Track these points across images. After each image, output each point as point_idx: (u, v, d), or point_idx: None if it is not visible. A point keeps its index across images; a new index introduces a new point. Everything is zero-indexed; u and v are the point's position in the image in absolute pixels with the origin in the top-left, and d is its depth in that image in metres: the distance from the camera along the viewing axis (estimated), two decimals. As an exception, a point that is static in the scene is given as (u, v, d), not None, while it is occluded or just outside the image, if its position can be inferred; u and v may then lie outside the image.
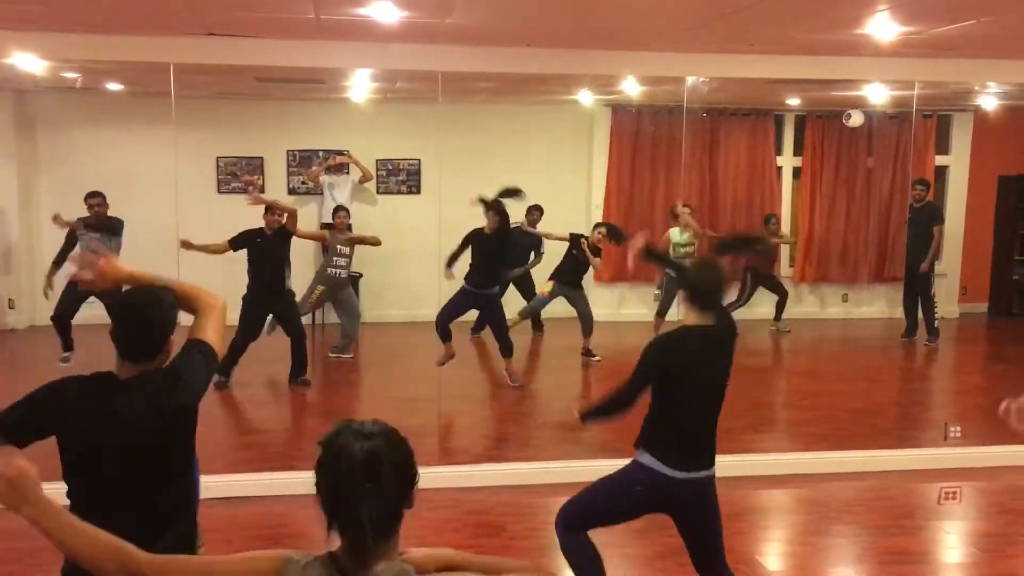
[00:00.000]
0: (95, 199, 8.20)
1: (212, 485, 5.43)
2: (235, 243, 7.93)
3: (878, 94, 8.51)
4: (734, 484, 5.90)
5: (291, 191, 11.01)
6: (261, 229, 7.96)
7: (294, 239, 8.16)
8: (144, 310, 2.71)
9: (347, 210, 9.23)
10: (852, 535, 5.23)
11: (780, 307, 10.84)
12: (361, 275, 10.71)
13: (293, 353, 8.02)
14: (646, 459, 3.57)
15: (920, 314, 10.18)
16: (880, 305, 11.68)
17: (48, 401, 2.58)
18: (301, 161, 11.00)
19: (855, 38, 5.48)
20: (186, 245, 7.26)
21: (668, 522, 5.16)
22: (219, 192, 10.68)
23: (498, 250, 7.93)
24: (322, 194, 10.76)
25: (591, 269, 9.01)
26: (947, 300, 11.49)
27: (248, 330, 7.83)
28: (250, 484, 5.57)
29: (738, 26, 5.22)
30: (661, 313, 9.47)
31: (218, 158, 10.79)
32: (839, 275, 11.73)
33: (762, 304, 11.09)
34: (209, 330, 2.84)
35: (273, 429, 7.30)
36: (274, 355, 8.37)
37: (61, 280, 8.12)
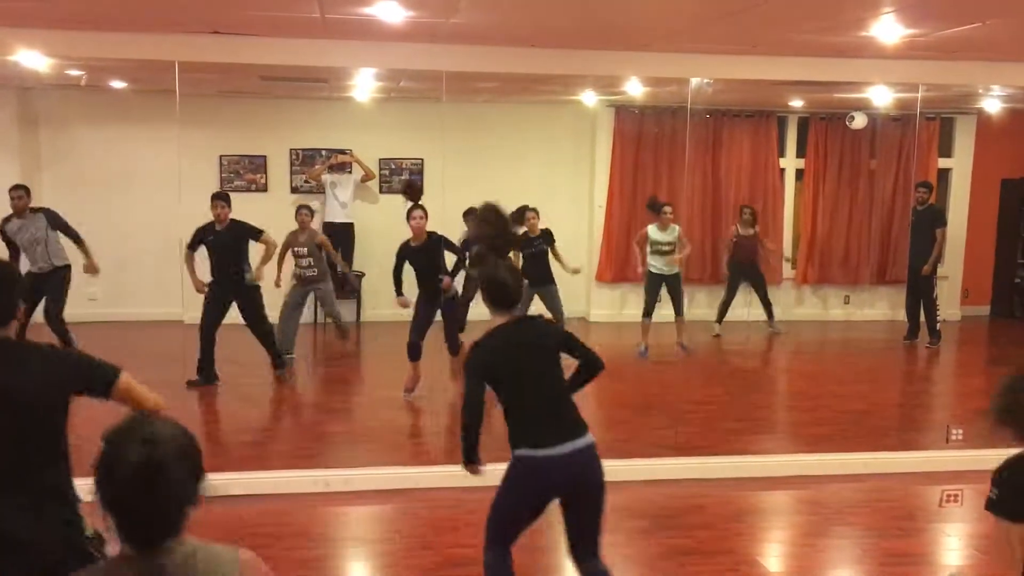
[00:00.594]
0: (16, 191, 8.10)
1: (214, 483, 5.46)
2: (192, 244, 7.78)
3: (881, 96, 8.50)
4: (735, 485, 5.92)
5: (294, 190, 11.02)
6: (212, 224, 7.77)
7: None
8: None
9: (309, 208, 9.03)
10: (853, 537, 5.23)
11: (765, 305, 10.76)
12: (364, 274, 10.72)
13: (264, 346, 8.06)
14: (518, 452, 3.66)
15: (922, 316, 10.18)
16: (882, 307, 11.68)
17: None
18: (304, 160, 11.01)
19: (859, 40, 5.48)
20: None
21: (670, 523, 5.18)
22: (222, 190, 10.68)
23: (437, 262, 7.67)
24: (325, 193, 10.77)
25: (554, 261, 8.89)
26: (949, 303, 11.48)
27: (208, 316, 7.78)
28: (252, 482, 5.57)
29: (742, 27, 5.22)
30: (647, 313, 9.42)
31: (221, 156, 10.80)
32: (841, 277, 11.72)
33: (759, 305, 11.08)
34: (134, 387, 2.81)
35: (272, 427, 7.31)
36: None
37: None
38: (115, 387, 2.75)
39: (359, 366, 9.32)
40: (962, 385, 9.29)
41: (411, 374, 7.62)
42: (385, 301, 10.89)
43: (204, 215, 7.78)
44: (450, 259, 7.65)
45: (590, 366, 3.86)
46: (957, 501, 5.75)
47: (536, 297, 8.73)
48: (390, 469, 5.89)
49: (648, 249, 9.40)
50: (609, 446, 6.62)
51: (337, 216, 10.72)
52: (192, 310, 7.86)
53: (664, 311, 9.51)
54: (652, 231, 9.36)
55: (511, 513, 3.77)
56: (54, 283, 8.13)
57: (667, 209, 9.38)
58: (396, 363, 9.25)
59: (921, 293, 10.12)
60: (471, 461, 3.76)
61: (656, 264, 9.35)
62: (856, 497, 5.78)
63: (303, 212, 8.91)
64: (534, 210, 8.87)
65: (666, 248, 9.34)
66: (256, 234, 7.87)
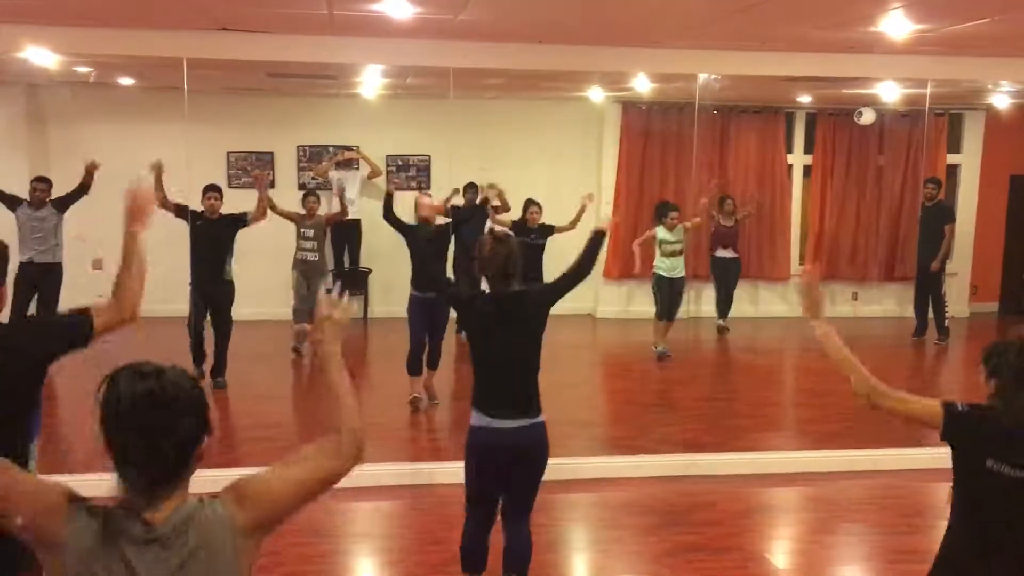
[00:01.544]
0: (39, 183, 8.40)
1: (217, 478, 5.47)
2: (179, 211, 7.53)
3: (890, 92, 8.48)
4: (743, 482, 5.91)
5: (301, 186, 11.01)
6: (202, 211, 7.64)
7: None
8: None
9: (317, 196, 9.23)
10: (861, 534, 5.22)
11: (727, 300, 10.61)
12: (371, 270, 10.73)
13: (216, 349, 7.75)
14: (474, 419, 3.89)
15: (931, 313, 10.15)
16: (890, 304, 11.64)
17: None
18: (311, 156, 11.02)
19: (868, 36, 5.46)
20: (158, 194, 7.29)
21: (677, 519, 5.18)
22: (230, 187, 10.66)
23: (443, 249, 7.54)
24: (332, 190, 10.77)
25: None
26: (957, 299, 11.44)
27: (194, 313, 7.73)
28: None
29: (750, 23, 5.20)
30: (660, 315, 9.31)
31: (229, 153, 10.81)
32: (849, 273, 11.69)
33: (767, 302, 11.09)
34: (103, 313, 2.93)
35: (277, 424, 7.32)
36: (276, 349, 8.38)
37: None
38: (94, 333, 2.89)
39: (366, 362, 9.32)
40: (970, 382, 9.17)
41: (418, 386, 7.43)
42: (392, 298, 10.95)
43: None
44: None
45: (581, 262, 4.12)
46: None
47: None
48: (398, 465, 5.90)
49: (657, 251, 9.35)
50: (617, 443, 6.64)
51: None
52: (172, 304, 7.86)
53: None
54: (661, 232, 9.34)
55: (470, 483, 4.01)
56: (52, 281, 8.37)
57: (673, 214, 9.35)
58: (402, 359, 9.27)
59: (930, 290, 10.09)
60: None
61: (663, 265, 9.31)
62: (864, 494, 5.77)
63: (311, 200, 9.04)
64: (537, 204, 8.96)
65: (676, 247, 9.32)
66: (243, 217, 7.73)
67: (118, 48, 5.88)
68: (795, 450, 6.55)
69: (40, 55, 5.90)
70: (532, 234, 8.87)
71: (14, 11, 5.28)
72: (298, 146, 10.99)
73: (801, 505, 5.78)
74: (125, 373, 1.82)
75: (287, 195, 10.87)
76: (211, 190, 7.75)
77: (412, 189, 11.14)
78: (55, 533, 1.79)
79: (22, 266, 7.98)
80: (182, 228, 7.45)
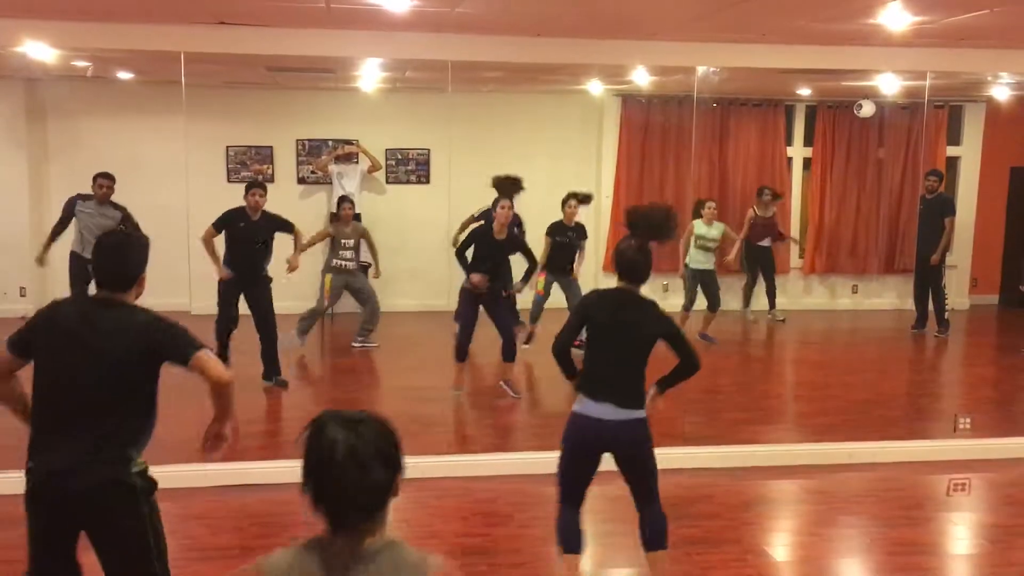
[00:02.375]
0: (105, 180, 8.32)
1: (223, 473, 5.48)
2: (218, 224, 7.55)
3: (890, 84, 8.46)
4: (742, 474, 5.92)
5: (300, 180, 11.03)
6: (243, 210, 7.54)
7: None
8: (120, 247, 3.28)
9: (352, 201, 9.25)
10: (860, 526, 5.23)
11: (770, 292, 10.68)
12: (370, 264, 10.72)
13: (263, 351, 7.66)
14: (577, 405, 4.01)
15: (931, 306, 10.15)
16: (890, 296, 11.64)
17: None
18: (310, 150, 11.01)
19: (867, 28, 5.45)
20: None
21: (676, 512, 5.17)
22: (229, 181, 10.68)
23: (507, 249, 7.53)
24: (331, 183, 10.77)
25: (578, 255, 8.78)
26: (957, 292, 11.45)
27: (223, 313, 7.71)
28: (260, 472, 5.59)
29: (749, 15, 5.20)
30: (687, 308, 9.40)
31: (228, 147, 10.80)
32: (849, 266, 11.69)
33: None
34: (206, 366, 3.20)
35: (284, 417, 7.33)
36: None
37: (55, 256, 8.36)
38: (192, 361, 3.11)
39: (370, 356, 9.32)
40: (970, 374, 9.27)
41: (458, 374, 7.48)
42: (394, 291, 10.96)
43: (212, 206, 7.76)
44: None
45: (686, 367, 4.11)
46: (965, 490, 5.75)
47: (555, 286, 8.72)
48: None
49: (692, 244, 9.34)
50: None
51: (344, 206, 10.73)
52: (198, 300, 7.85)
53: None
54: (698, 226, 9.33)
55: (565, 469, 4.08)
56: None
57: (710, 205, 9.35)
58: (405, 353, 9.29)
59: (930, 282, 10.10)
60: (571, 376, 4.16)
61: (697, 258, 9.32)
62: (864, 486, 5.78)
63: (346, 205, 9.04)
64: (576, 198, 8.67)
65: (711, 244, 9.30)
66: (289, 227, 7.73)
67: (117, 42, 5.87)
68: (795, 443, 6.56)
69: (39, 50, 5.89)
70: (569, 232, 8.62)
71: (12, 5, 5.28)
72: (297, 140, 10.98)
73: (800, 497, 5.79)
74: (333, 421, 1.96)
75: (286, 189, 10.89)
76: (256, 186, 7.59)
77: (412, 183, 11.19)
78: None
79: (76, 258, 7.97)
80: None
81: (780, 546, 5.09)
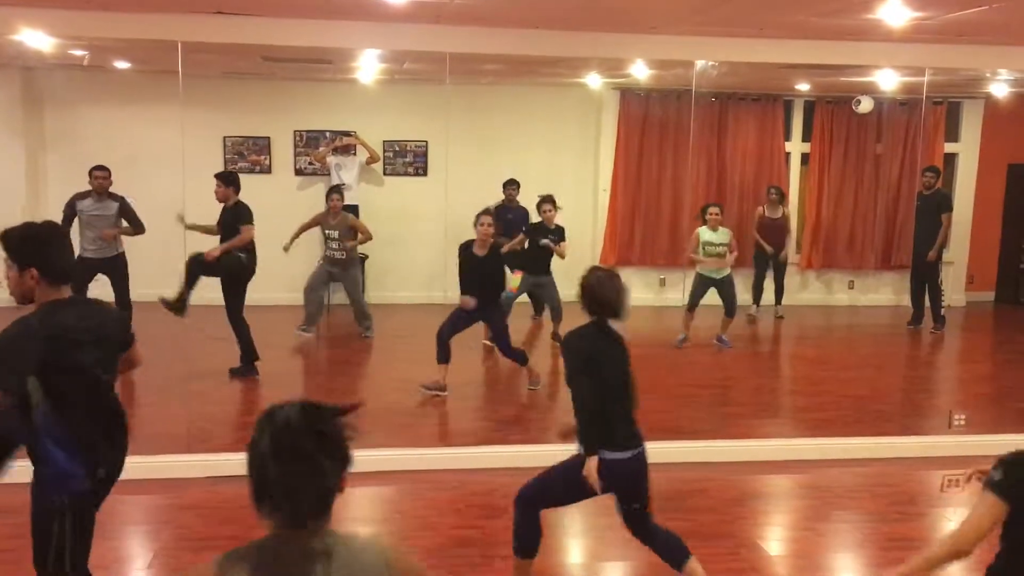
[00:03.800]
0: (101, 172, 8.17)
1: (215, 463, 5.48)
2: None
3: (888, 80, 8.46)
4: (736, 469, 5.93)
5: (298, 172, 11.01)
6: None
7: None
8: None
9: (340, 192, 9.25)
10: (854, 521, 5.24)
11: (778, 288, 10.75)
12: (367, 256, 10.72)
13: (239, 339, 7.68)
14: (607, 454, 3.81)
15: (927, 302, 10.15)
16: (887, 292, 11.65)
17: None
18: (308, 142, 10.99)
19: (866, 23, 5.44)
20: (182, 222, 7.27)
21: (670, 506, 5.18)
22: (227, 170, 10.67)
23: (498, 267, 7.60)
24: (329, 175, 10.75)
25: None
26: (954, 288, 11.46)
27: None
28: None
29: (748, 10, 5.19)
30: (690, 309, 9.30)
31: (225, 137, 10.78)
32: (846, 262, 11.70)
33: (764, 289, 11.07)
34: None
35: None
36: (281, 337, 8.36)
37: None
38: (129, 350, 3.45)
39: (364, 348, 9.32)
40: (966, 371, 9.28)
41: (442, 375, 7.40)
42: (389, 283, 10.96)
43: (209, 196, 7.76)
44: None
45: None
46: (958, 486, 5.75)
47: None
48: (394, 450, 5.90)
49: (701, 251, 9.24)
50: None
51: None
52: (196, 290, 7.84)
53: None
54: (704, 232, 9.20)
55: (564, 495, 4.06)
56: (119, 270, 8.29)
57: (714, 209, 9.24)
58: (400, 345, 9.28)
59: (926, 278, 10.10)
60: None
61: (709, 268, 9.13)
62: (858, 482, 5.78)
63: (334, 196, 9.08)
64: (552, 203, 8.70)
65: (718, 249, 9.16)
66: (241, 222, 7.62)
67: (114, 31, 5.84)
68: (789, 438, 6.56)
69: (35, 38, 5.87)
70: (550, 235, 8.64)
71: (8, -7, 5.26)
72: (295, 131, 10.96)
73: (795, 493, 5.80)
74: (278, 414, 1.95)
75: (284, 180, 10.88)
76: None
77: (409, 175, 11.17)
78: None
79: (80, 260, 7.88)
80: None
81: (773, 540, 5.10)
